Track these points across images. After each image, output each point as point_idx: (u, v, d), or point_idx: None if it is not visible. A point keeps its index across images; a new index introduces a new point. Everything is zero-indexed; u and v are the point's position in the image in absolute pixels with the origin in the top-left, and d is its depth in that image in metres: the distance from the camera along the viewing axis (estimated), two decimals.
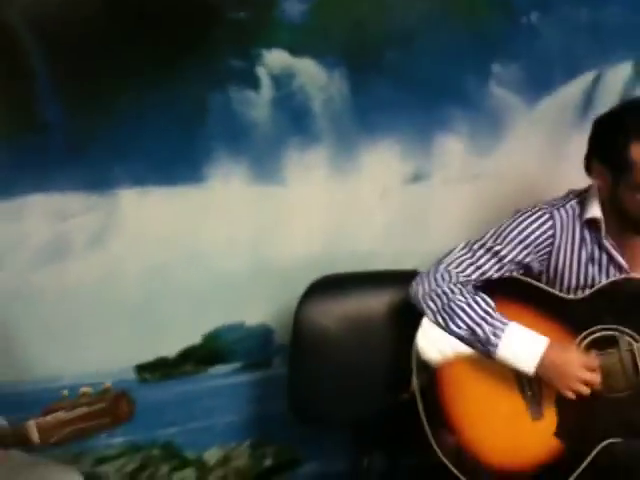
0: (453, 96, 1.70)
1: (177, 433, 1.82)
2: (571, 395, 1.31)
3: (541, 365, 1.30)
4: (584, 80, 1.75)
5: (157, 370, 1.76)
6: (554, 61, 1.72)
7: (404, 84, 1.66)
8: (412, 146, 1.72)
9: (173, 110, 1.57)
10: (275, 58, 1.60)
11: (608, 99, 1.72)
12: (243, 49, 1.58)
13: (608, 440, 1.30)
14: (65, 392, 1.11)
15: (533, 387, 1.36)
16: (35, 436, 1.09)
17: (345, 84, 1.65)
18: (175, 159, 1.60)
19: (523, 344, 1.32)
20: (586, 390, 1.30)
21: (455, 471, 1.38)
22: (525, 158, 1.76)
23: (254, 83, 1.61)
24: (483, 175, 1.77)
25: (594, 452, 1.30)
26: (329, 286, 1.59)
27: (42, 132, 1.52)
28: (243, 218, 1.70)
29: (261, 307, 1.77)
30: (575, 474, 1.31)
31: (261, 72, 1.61)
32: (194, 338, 1.77)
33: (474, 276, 1.42)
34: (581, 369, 1.29)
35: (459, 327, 1.36)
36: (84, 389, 1.12)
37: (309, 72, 1.63)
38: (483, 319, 1.34)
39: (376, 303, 1.56)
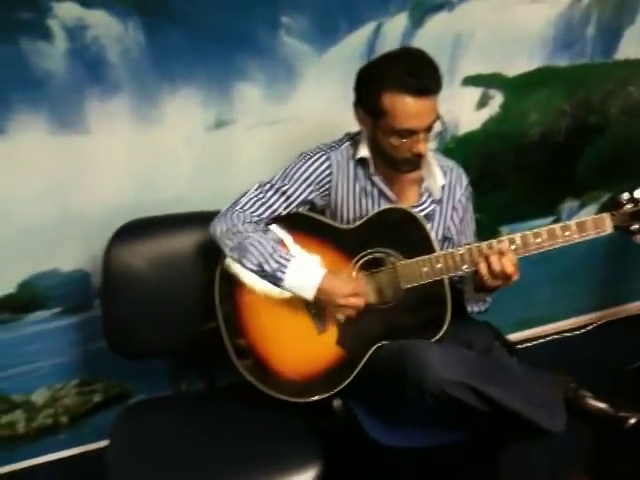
0: (247, 46, 1.79)
1: (2, 378, 1.89)
2: (341, 317, 1.54)
3: (318, 293, 1.51)
4: (366, 30, 1.91)
5: None
6: (338, 13, 1.86)
7: (198, 34, 1.73)
8: (213, 94, 1.81)
9: None
10: (66, 10, 1.61)
11: (388, 48, 1.90)
12: (31, 1, 1.58)
13: (378, 344, 1.56)
14: None
15: (317, 307, 1.57)
16: None
17: (140, 34, 1.69)
18: None
19: (303, 276, 1.51)
20: (351, 313, 1.53)
21: (257, 384, 1.58)
22: (318, 103, 1.92)
23: (46, 35, 1.61)
24: (282, 120, 1.90)
25: (367, 355, 1.55)
26: (136, 229, 1.69)
27: None
28: (47, 168, 1.73)
29: (76, 253, 1.84)
30: (354, 374, 1.55)
31: (53, 24, 1.61)
32: (9, 287, 1.81)
33: (265, 214, 1.58)
34: (346, 298, 1.50)
35: (251, 262, 1.52)
36: None
37: (103, 23, 1.65)
38: (271, 255, 1.51)
39: (181, 243, 1.69)
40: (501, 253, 1.46)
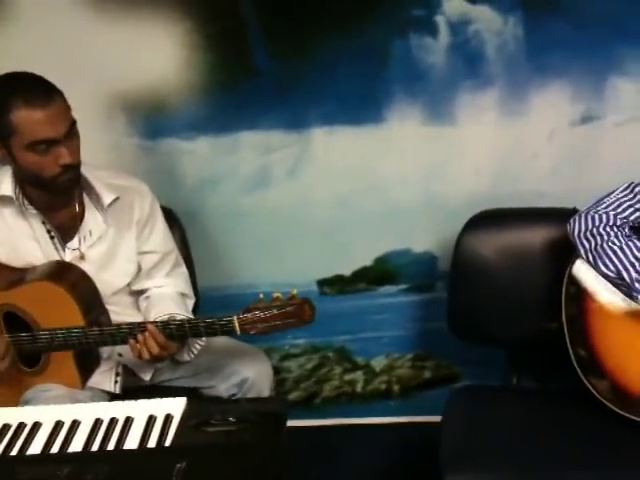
0: (628, 37, 1.71)
1: (350, 340, 2.11)
2: None
3: None
4: None
5: (335, 285, 2.04)
6: None
7: (581, 25, 1.70)
8: (583, 87, 1.77)
9: (361, 57, 1.76)
10: (453, 6, 1.72)
11: None
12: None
13: None
14: (261, 295, 1.40)
15: None
16: (237, 328, 1.41)
17: (520, 27, 1.72)
18: (360, 102, 1.81)
19: None
20: None
21: (600, 397, 1.49)
22: None
23: (433, 30, 1.74)
24: None
25: None
26: (489, 219, 1.72)
27: (254, 78, 1.78)
28: (416, 155, 1.87)
29: (427, 236, 1.96)
30: None
31: (439, 19, 1.73)
32: (367, 260, 2.01)
33: (632, 218, 1.48)
34: None
35: (607, 268, 1.44)
36: (276, 294, 1.41)
37: (485, 18, 1.72)
38: (632, 265, 1.42)
39: (532, 237, 1.67)
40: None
